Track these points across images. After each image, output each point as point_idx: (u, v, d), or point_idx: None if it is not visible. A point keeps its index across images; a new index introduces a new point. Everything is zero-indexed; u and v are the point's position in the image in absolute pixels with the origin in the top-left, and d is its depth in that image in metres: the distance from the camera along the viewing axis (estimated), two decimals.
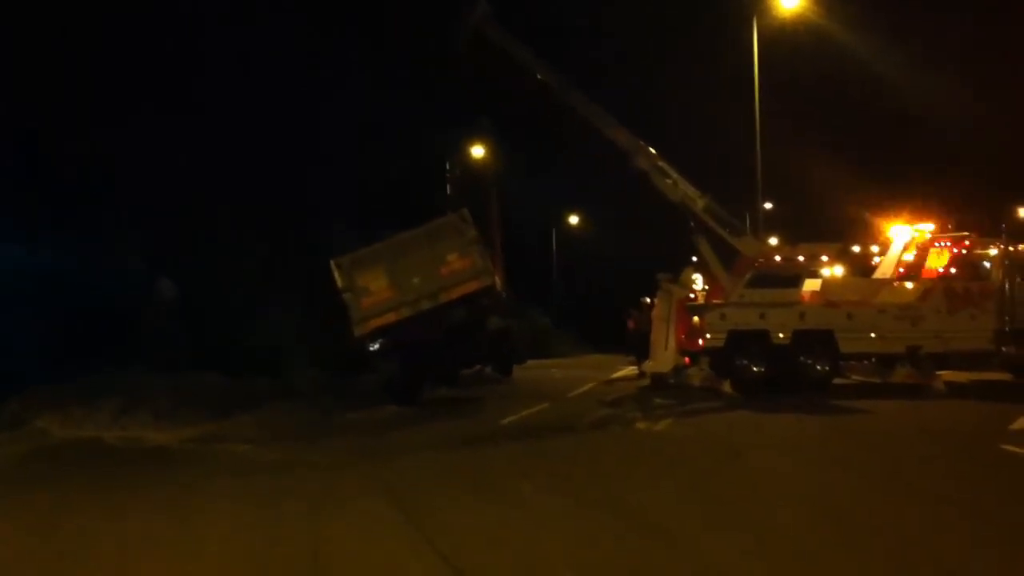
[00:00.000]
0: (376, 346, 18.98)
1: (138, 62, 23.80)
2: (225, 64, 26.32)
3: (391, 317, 18.45)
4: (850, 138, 49.59)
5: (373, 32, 34.94)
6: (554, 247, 56.78)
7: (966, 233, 20.45)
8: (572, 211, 57.60)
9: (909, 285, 20.03)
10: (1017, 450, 12.05)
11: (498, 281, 20.60)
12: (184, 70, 25.26)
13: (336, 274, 18.63)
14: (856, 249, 21.48)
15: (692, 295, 21.22)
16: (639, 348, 23.14)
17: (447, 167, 35.67)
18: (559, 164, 50.67)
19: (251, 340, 22.49)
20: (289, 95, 29.65)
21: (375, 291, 18.50)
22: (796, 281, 20.09)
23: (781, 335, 19.45)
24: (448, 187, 35.72)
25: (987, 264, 20.12)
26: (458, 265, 18.67)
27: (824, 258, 20.84)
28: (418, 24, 32.79)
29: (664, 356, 20.53)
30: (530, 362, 30.36)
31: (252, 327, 22.86)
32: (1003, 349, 19.61)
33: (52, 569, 7.52)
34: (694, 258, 22.37)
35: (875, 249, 21.42)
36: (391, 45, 35.39)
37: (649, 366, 21.50)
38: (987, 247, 20.23)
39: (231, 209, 24.27)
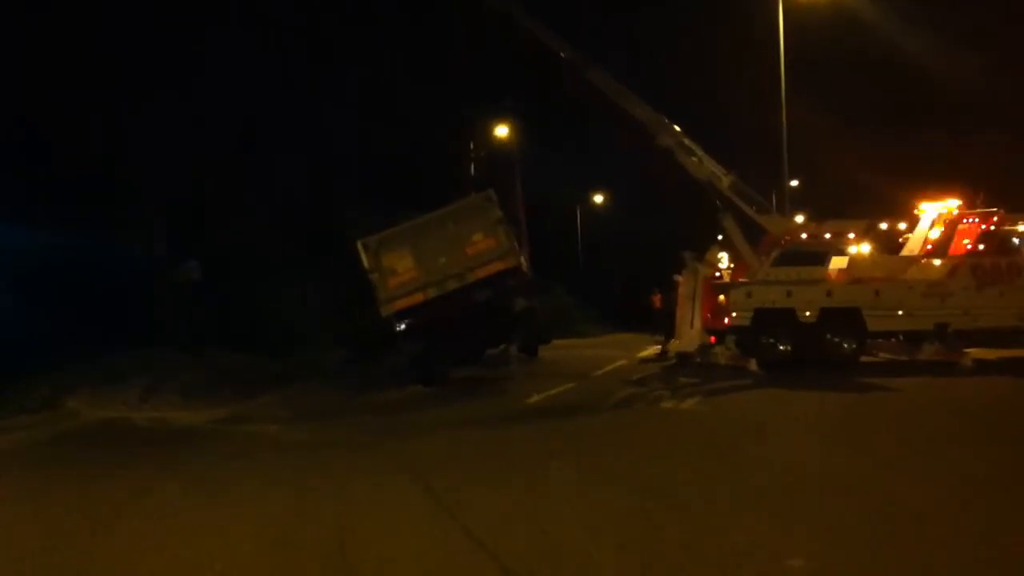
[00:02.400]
0: (403, 326, 19.01)
1: (154, 43, 23.87)
2: (244, 45, 26.34)
3: (418, 297, 18.48)
4: (878, 115, 49.17)
5: (398, 11, 34.97)
6: (579, 226, 56.67)
7: (994, 209, 20.21)
8: (597, 190, 57.52)
9: (937, 262, 19.84)
10: None
11: (524, 261, 20.57)
12: (201, 50, 25.30)
13: (363, 255, 18.67)
14: (883, 226, 21.25)
15: (718, 273, 21.17)
16: (666, 327, 23.08)
17: (471, 147, 35.70)
18: (584, 143, 50.57)
19: (276, 321, 22.63)
20: (311, 75, 29.70)
21: (402, 272, 18.55)
22: (823, 259, 20.02)
23: (808, 313, 19.38)
24: (472, 167, 35.75)
25: (1016, 240, 19.88)
26: (484, 245, 18.68)
27: (851, 235, 20.71)
28: (444, 5, 32.80)
29: (690, 335, 20.53)
30: (555, 341, 30.34)
31: (277, 308, 22.98)
32: None
33: (83, 546, 7.61)
34: (719, 236, 22.26)
35: (903, 226, 21.22)
36: (415, 26, 35.39)
37: (675, 345, 21.49)
38: (1016, 223, 19.99)
39: (255, 189, 24.39)
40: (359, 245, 18.80)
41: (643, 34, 57.44)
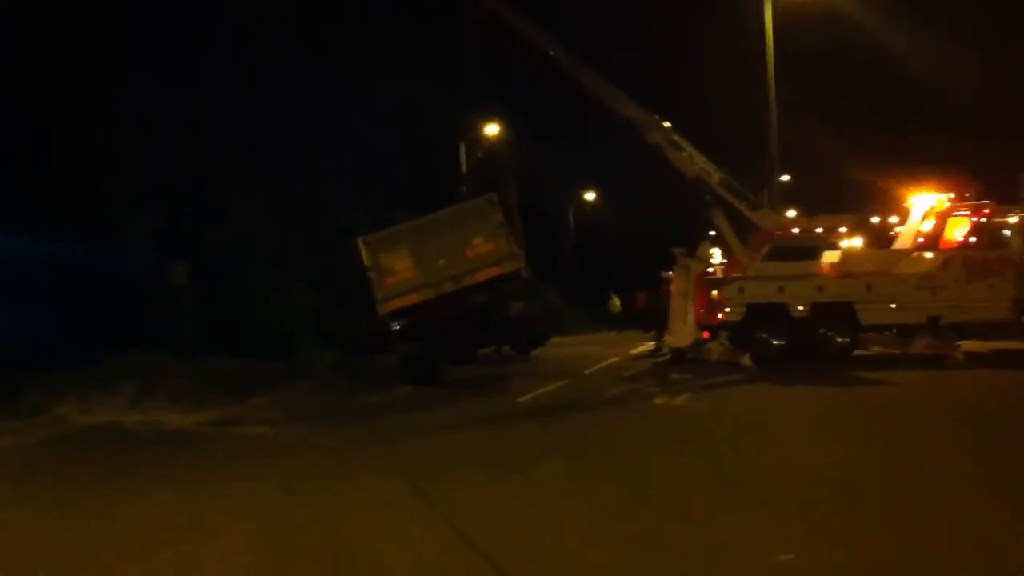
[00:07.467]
0: (398, 326, 18.94)
1: (147, 41, 23.76)
2: (237, 43, 26.26)
3: (414, 298, 18.38)
4: (867, 109, 49.20)
5: (390, 12, 34.92)
6: (571, 225, 56.65)
7: (985, 202, 20.21)
8: (587, 189, 57.52)
9: (928, 255, 19.85)
10: None
11: (523, 265, 20.47)
12: (194, 50, 25.22)
13: (362, 252, 18.56)
14: (874, 220, 21.28)
15: (710, 269, 21.14)
16: (659, 323, 23.02)
17: (463, 150, 35.58)
18: (574, 142, 50.50)
19: (266, 322, 22.51)
20: (303, 76, 29.61)
21: (399, 271, 18.45)
22: (814, 253, 20.02)
23: (800, 308, 19.38)
24: (467, 172, 35.61)
25: (1007, 233, 19.89)
26: (483, 249, 18.57)
27: (842, 229, 20.73)
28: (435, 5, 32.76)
29: (683, 330, 20.52)
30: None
31: (267, 309, 22.87)
32: (1023, 318, 19.42)
33: (72, 550, 7.53)
34: (711, 232, 22.25)
35: (894, 220, 21.22)
36: (407, 24, 35.32)
37: (668, 340, 21.47)
38: (1007, 215, 19.99)
39: (244, 191, 24.29)
40: (360, 242, 18.67)
41: (628, 31, 57.37)
